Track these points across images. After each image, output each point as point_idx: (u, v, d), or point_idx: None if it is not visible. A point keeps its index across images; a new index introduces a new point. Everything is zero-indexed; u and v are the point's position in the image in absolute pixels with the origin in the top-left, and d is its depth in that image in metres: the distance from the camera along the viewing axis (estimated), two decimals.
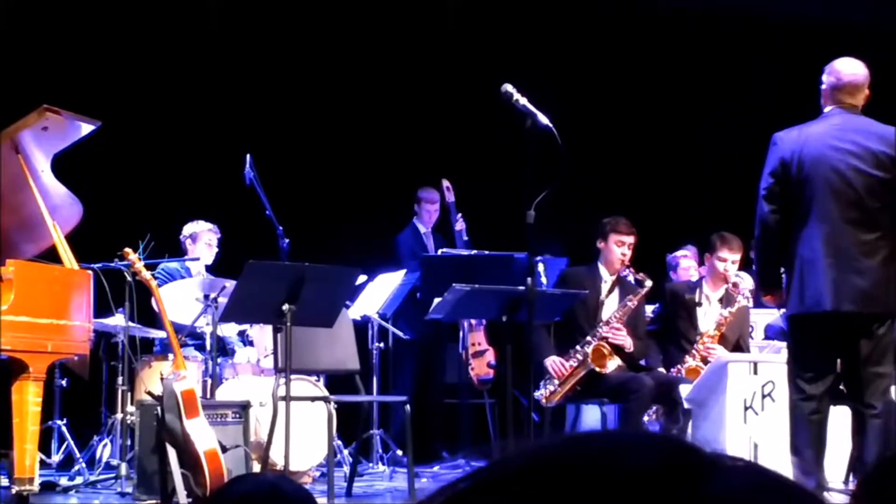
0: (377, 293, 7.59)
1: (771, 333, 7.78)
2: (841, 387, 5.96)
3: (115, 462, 6.51)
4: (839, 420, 5.40)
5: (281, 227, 7.05)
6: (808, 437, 5.05)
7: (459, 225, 8.41)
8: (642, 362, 6.83)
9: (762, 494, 0.65)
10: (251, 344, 7.33)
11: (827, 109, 5.12)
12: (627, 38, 9.90)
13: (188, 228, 7.58)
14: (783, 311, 5.42)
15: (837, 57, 5.21)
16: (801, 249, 4.96)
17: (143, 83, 8.74)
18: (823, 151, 4.96)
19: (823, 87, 5.14)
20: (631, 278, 6.78)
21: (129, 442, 6.33)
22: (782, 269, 5.15)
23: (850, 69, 5.11)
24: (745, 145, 9.84)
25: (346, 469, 6.67)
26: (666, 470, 0.64)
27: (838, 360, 5.12)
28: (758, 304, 7.80)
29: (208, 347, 6.65)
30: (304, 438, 6.30)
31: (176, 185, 8.51)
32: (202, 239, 7.52)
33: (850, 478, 6.44)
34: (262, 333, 7.15)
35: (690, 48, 9.98)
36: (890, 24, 8.92)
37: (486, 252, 7.50)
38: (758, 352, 7.14)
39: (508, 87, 4.92)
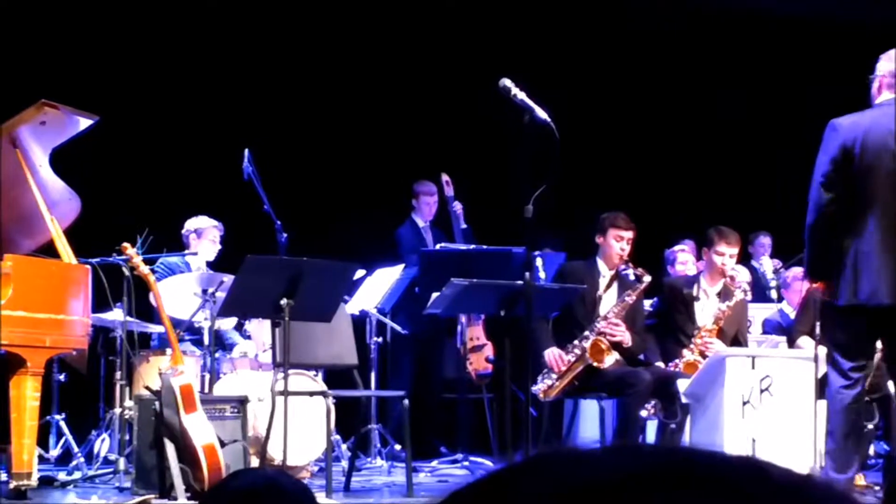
0: (375, 288, 7.59)
1: (769, 328, 7.78)
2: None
3: (113, 457, 6.51)
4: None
5: (279, 222, 7.05)
6: (846, 426, 4.96)
7: (458, 208, 8.33)
8: (640, 357, 6.82)
9: None
10: (249, 339, 7.33)
11: (885, 98, 4.93)
12: (627, 33, 9.89)
13: (192, 223, 7.53)
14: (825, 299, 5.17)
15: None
16: (857, 240, 4.80)
17: (141, 78, 8.73)
18: (887, 140, 4.78)
19: (881, 75, 4.95)
20: (630, 273, 6.77)
21: (127, 437, 6.32)
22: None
23: None
24: (743, 142, 9.87)
25: (345, 464, 6.66)
26: None
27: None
28: (756, 298, 7.81)
29: (206, 342, 6.65)
30: (303, 433, 6.30)
31: (174, 179, 8.50)
32: (207, 235, 7.48)
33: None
34: (260, 328, 7.15)
35: (692, 44, 9.97)
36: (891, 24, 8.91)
37: (485, 247, 7.49)
38: (756, 346, 7.13)
39: (507, 82, 4.92)
